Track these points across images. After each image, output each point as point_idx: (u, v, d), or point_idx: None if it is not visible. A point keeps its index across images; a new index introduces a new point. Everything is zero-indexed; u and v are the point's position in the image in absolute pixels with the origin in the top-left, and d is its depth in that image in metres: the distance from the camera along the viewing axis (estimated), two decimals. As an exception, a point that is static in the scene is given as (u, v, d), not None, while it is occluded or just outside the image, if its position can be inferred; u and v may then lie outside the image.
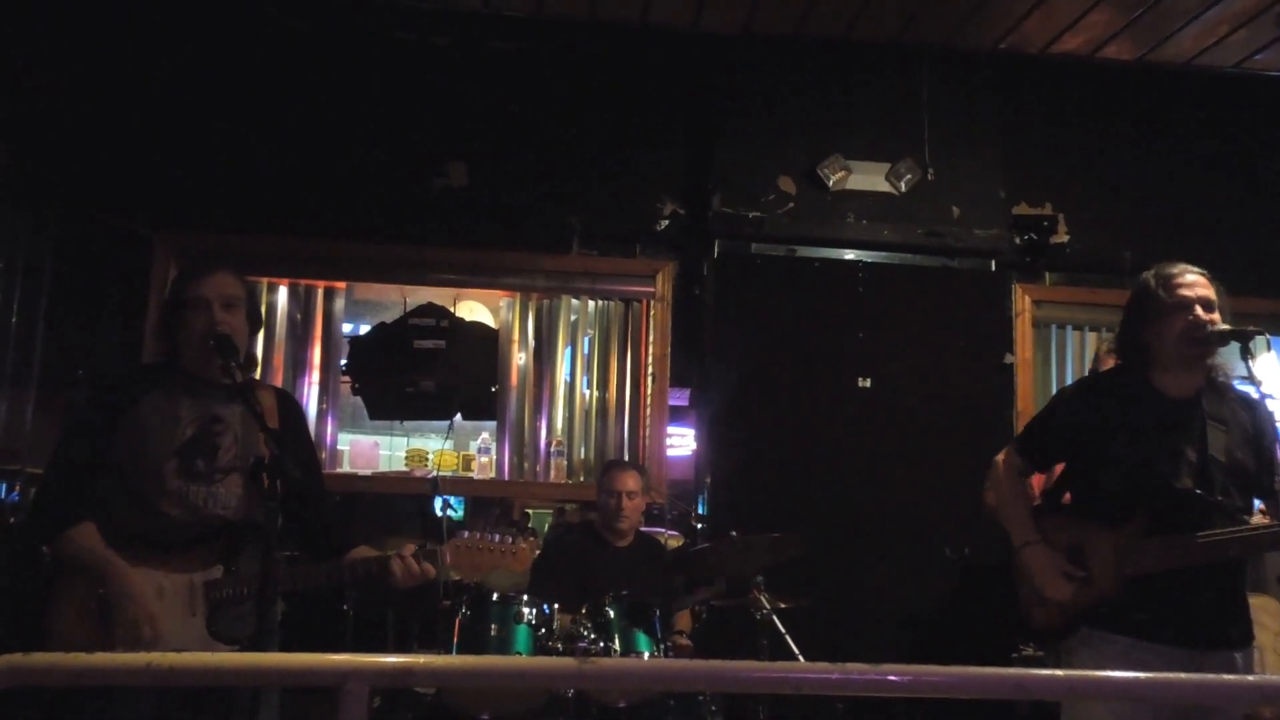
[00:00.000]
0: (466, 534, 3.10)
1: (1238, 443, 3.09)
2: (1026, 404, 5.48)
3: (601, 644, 4.00)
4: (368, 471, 5.77)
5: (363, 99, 5.53)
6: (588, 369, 5.68)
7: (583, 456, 5.60)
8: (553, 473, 5.55)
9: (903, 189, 5.47)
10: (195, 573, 2.92)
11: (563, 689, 3.90)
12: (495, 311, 5.89)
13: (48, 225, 5.01)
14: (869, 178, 5.48)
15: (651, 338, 5.60)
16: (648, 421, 5.55)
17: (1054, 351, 5.79)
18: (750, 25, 5.45)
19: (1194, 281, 3.09)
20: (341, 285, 5.74)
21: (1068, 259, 5.75)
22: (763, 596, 4.08)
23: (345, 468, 5.76)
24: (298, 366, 5.59)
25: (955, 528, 5.12)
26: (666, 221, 5.60)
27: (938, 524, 5.18)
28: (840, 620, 4.89)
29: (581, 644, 3.98)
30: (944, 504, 5.12)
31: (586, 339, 5.70)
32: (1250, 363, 3.08)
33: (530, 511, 6.27)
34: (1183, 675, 1.90)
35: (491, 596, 4.11)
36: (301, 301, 5.64)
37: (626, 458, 5.45)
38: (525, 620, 4.04)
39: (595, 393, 5.66)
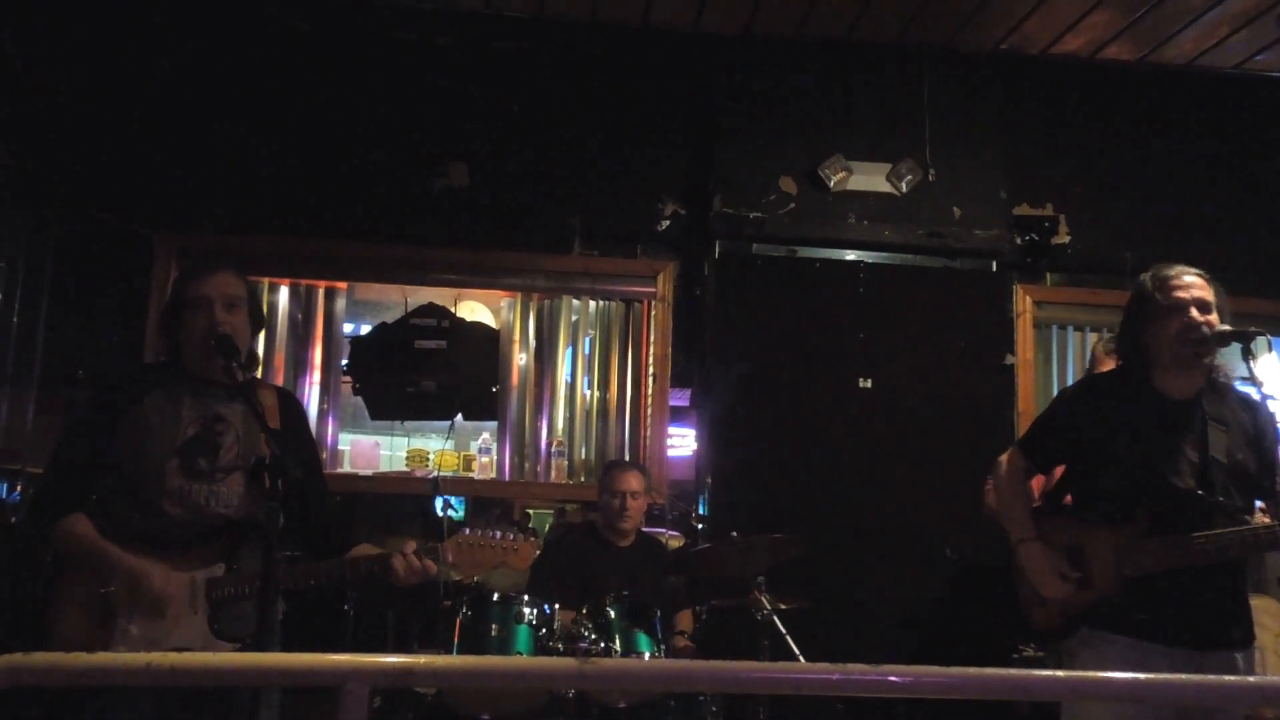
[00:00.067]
0: (468, 531, 3.11)
1: (1238, 443, 3.10)
2: (1027, 405, 5.48)
3: (602, 644, 4.00)
4: (368, 472, 5.77)
5: (363, 99, 5.53)
6: (589, 369, 5.68)
7: (583, 457, 5.60)
8: (553, 473, 5.55)
9: (904, 189, 5.47)
10: (197, 571, 2.93)
11: (563, 689, 3.90)
12: (496, 312, 5.89)
13: (48, 225, 5.01)
14: (870, 178, 5.48)
15: (652, 338, 5.60)
16: (648, 422, 5.55)
17: (1055, 352, 5.79)
18: (751, 26, 5.45)
19: (1190, 283, 3.09)
20: (343, 285, 5.74)
21: (1069, 259, 5.75)
22: (763, 597, 4.08)
23: (346, 468, 5.76)
24: (299, 366, 5.59)
25: (956, 528, 5.12)
26: (667, 222, 5.60)
27: (939, 524, 5.18)
28: (841, 621, 4.89)
29: (582, 644, 3.98)
30: (945, 504, 5.12)
31: (587, 339, 5.70)
32: (1251, 364, 3.08)
33: (531, 512, 6.27)
34: (1184, 676, 1.90)
35: (492, 596, 4.11)
36: (302, 301, 5.64)
37: (627, 458, 5.45)
38: (526, 620, 4.04)
39: (596, 393, 5.66)
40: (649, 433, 5.54)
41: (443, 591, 4.41)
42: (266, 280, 5.52)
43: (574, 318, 5.71)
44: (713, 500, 5.31)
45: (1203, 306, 3.06)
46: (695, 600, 4.82)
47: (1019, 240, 5.68)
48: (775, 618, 4.04)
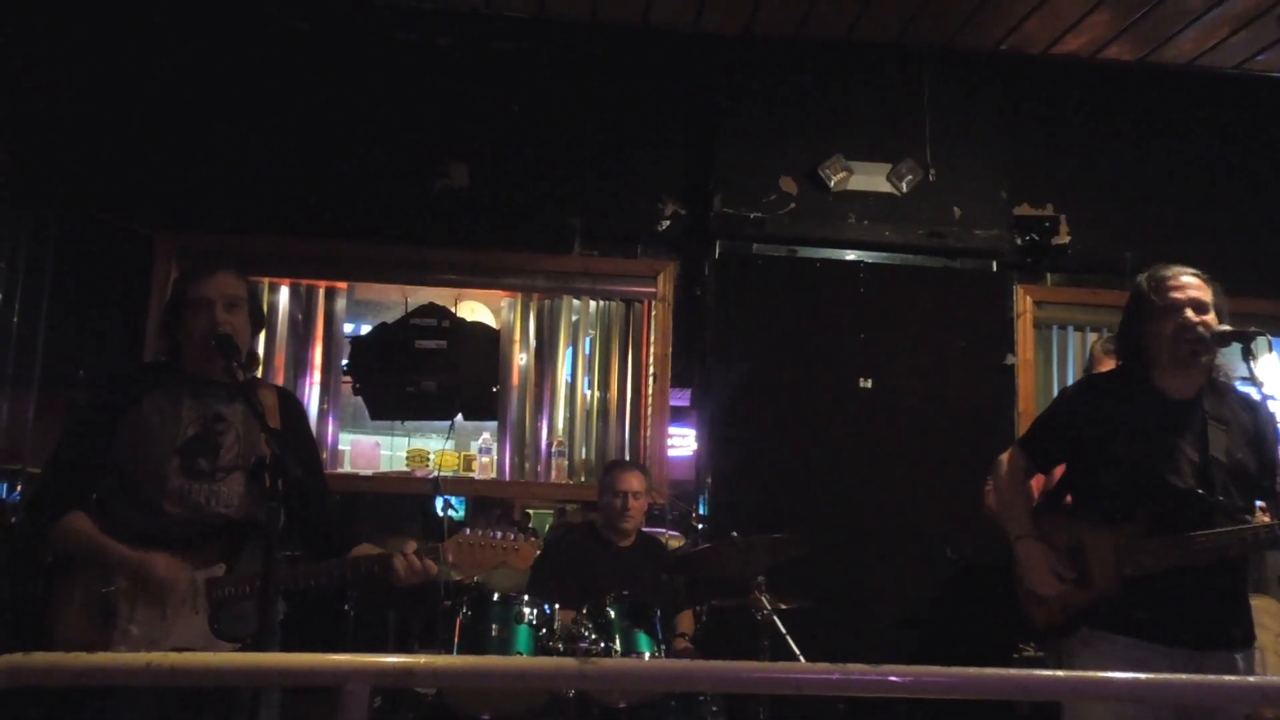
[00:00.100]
0: (469, 531, 3.11)
1: (1239, 443, 3.10)
2: (1028, 405, 5.48)
3: (602, 644, 4.00)
4: (369, 471, 5.77)
5: (364, 99, 5.53)
6: (589, 369, 5.68)
7: (584, 457, 5.60)
8: (554, 473, 5.55)
9: (904, 189, 5.47)
10: (197, 571, 2.93)
11: (564, 689, 3.90)
12: (496, 312, 5.89)
13: (49, 225, 5.01)
14: (870, 178, 5.48)
15: (653, 338, 5.60)
16: (649, 422, 5.55)
17: (1055, 352, 5.79)
18: (751, 26, 5.45)
19: (1186, 283, 3.10)
20: (343, 285, 5.74)
21: (1069, 259, 5.75)
22: (764, 597, 4.07)
23: (346, 468, 5.76)
24: (299, 366, 5.59)
25: (956, 528, 5.12)
26: (668, 222, 5.60)
27: (939, 524, 5.18)
28: (841, 621, 4.89)
29: (582, 644, 3.98)
30: (945, 505, 5.12)
31: (588, 339, 5.70)
32: (1251, 364, 3.08)
33: (531, 512, 6.27)
34: (1184, 676, 1.90)
35: (492, 597, 4.12)
36: (303, 301, 5.64)
37: (628, 458, 5.44)
38: (526, 620, 4.05)
39: (596, 393, 5.66)
40: (649, 433, 5.54)
41: (443, 591, 4.42)
42: (267, 280, 5.52)
43: (574, 318, 5.71)
44: (713, 500, 5.31)
45: (1198, 306, 3.06)
46: (695, 600, 4.82)
47: (1019, 240, 5.68)
48: (775, 618, 4.04)
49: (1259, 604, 3.51)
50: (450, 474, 5.51)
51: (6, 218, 4.85)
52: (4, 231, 4.81)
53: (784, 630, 3.99)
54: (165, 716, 2.79)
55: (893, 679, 1.66)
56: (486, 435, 5.67)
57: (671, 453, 5.72)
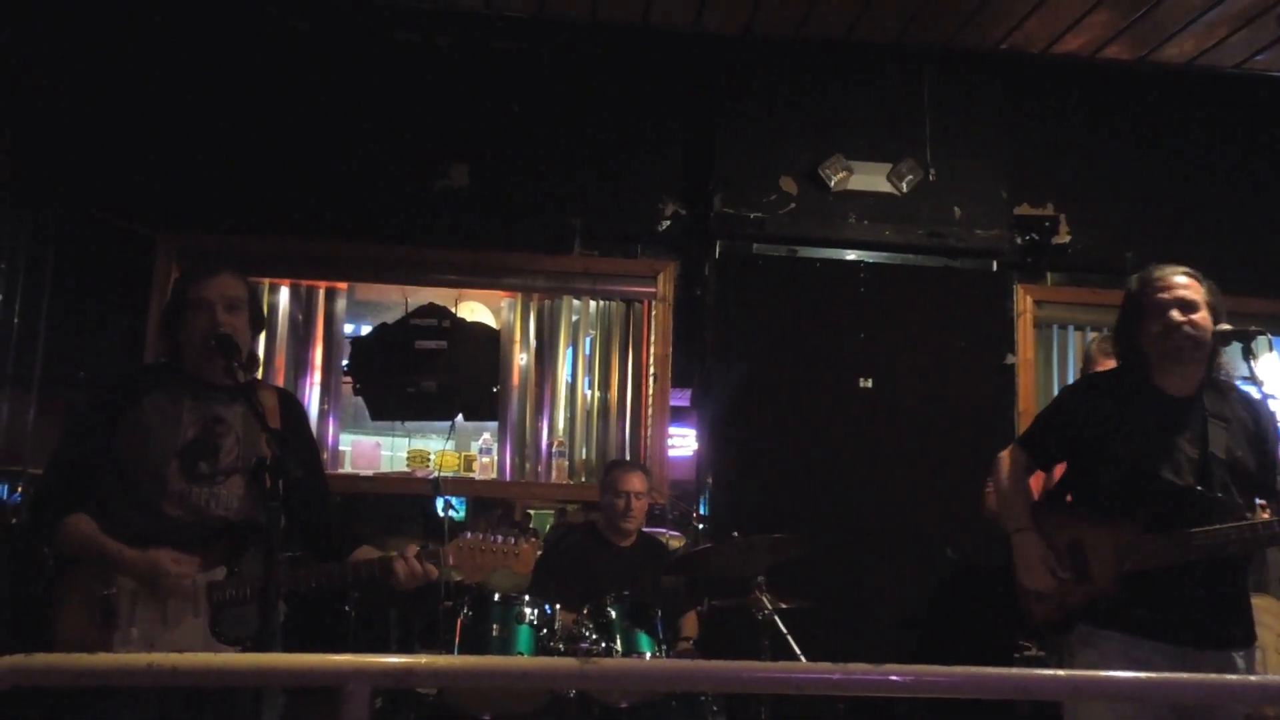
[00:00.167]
0: (469, 535, 3.11)
1: (1239, 441, 3.11)
2: (1028, 404, 5.48)
3: (603, 644, 4.00)
4: (369, 472, 5.77)
5: (364, 99, 5.53)
6: (589, 369, 5.68)
7: (584, 457, 5.60)
8: (554, 473, 5.55)
9: (904, 189, 5.47)
10: (198, 574, 2.92)
11: (565, 689, 3.90)
12: (497, 312, 5.89)
13: (49, 225, 5.01)
14: (870, 178, 5.48)
15: (653, 338, 5.60)
16: (649, 422, 5.55)
17: (1055, 352, 5.79)
18: (751, 26, 5.45)
19: (1173, 283, 3.12)
20: (343, 286, 5.74)
21: (1069, 259, 5.75)
22: (764, 597, 4.08)
23: (347, 468, 5.76)
24: (299, 367, 5.59)
25: (957, 528, 5.12)
26: (668, 222, 5.60)
27: (939, 524, 5.18)
28: (842, 620, 4.89)
29: (583, 644, 3.98)
30: (945, 504, 5.12)
31: (588, 339, 5.70)
32: (1252, 363, 3.09)
33: (532, 512, 6.27)
34: (1185, 675, 1.90)
35: (493, 597, 4.11)
36: (303, 302, 5.64)
37: (628, 458, 5.44)
38: (527, 621, 4.05)
39: (597, 393, 5.66)
40: (650, 433, 5.54)
41: (444, 592, 4.42)
42: (267, 281, 5.52)
43: (574, 318, 5.71)
44: (713, 500, 5.31)
45: (1185, 306, 3.08)
46: (696, 601, 4.82)
47: (1019, 240, 5.68)
48: (776, 617, 4.04)
49: (1260, 603, 3.51)
50: (451, 474, 5.51)
51: (6, 218, 4.85)
52: (4, 231, 4.82)
53: (785, 630, 3.99)
54: (167, 718, 2.79)
55: (893, 678, 1.66)
56: (487, 436, 5.67)
57: (672, 453, 5.72)
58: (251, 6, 5.48)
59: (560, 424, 5.61)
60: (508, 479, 5.59)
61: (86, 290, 5.14)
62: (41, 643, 2.83)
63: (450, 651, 4.09)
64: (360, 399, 5.72)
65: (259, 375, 3.45)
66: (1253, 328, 3.14)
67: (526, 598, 4.11)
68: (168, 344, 3.17)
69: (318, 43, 5.53)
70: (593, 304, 5.68)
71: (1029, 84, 5.76)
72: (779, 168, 5.46)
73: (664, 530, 5.62)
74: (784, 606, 4.10)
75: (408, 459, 5.83)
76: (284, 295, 5.60)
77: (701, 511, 5.43)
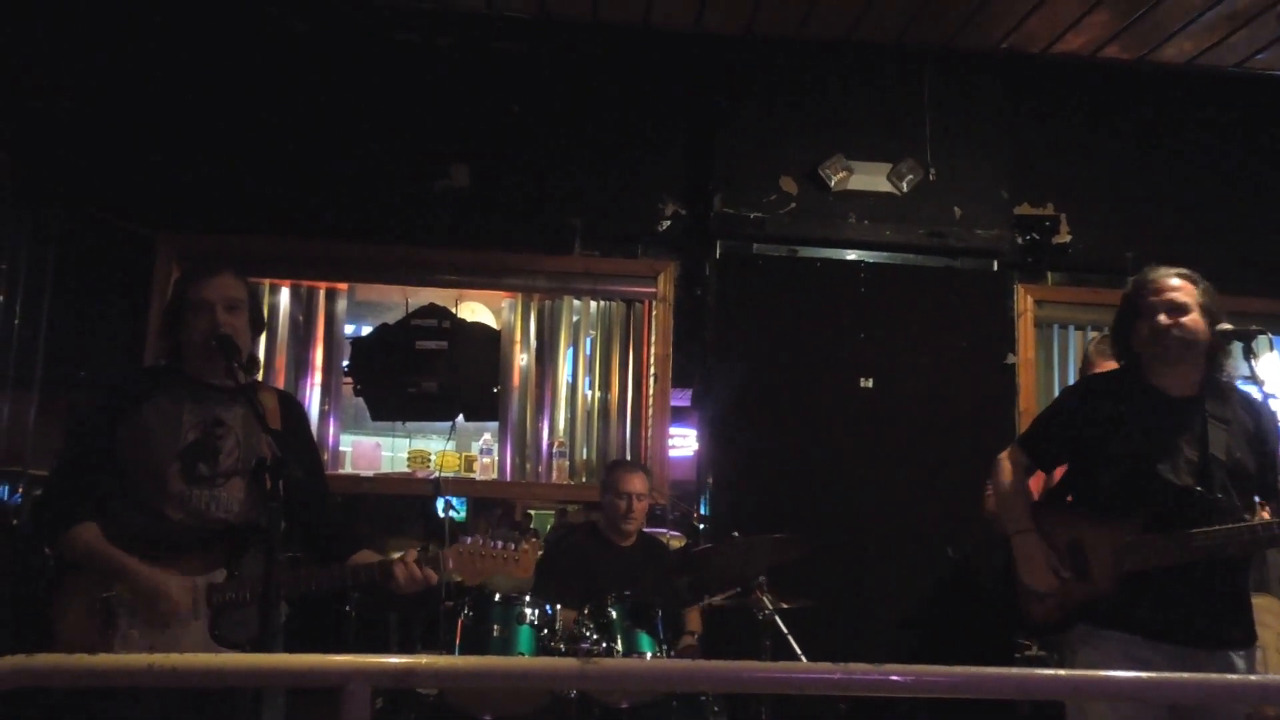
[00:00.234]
0: (469, 540, 3.11)
1: (1238, 442, 3.11)
2: (1029, 404, 5.48)
3: (604, 645, 4.01)
4: (370, 473, 5.76)
5: (364, 99, 5.53)
6: (590, 370, 5.68)
7: (585, 457, 5.60)
8: (555, 474, 5.55)
9: (904, 189, 5.47)
10: (198, 576, 2.93)
11: (565, 690, 3.90)
12: (497, 312, 5.89)
13: (49, 226, 5.01)
14: (871, 178, 5.48)
15: (653, 338, 5.60)
16: (650, 422, 5.55)
17: (1056, 352, 5.79)
18: (752, 26, 5.45)
19: (1164, 286, 3.13)
20: (343, 286, 5.74)
21: (1070, 259, 5.75)
22: (765, 597, 4.08)
23: (347, 469, 5.76)
24: (300, 368, 5.59)
25: (957, 528, 5.12)
26: (668, 222, 5.60)
27: (940, 524, 5.18)
28: (843, 620, 4.89)
29: (584, 645, 3.98)
30: (946, 504, 5.12)
31: (588, 340, 5.70)
32: (1253, 362, 3.09)
33: (533, 512, 6.27)
34: (1185, 675, 1.90)
35: (494, 597, 4.11)
36: (303, 303, 5.64)
37: (629, 458, 5.44)
38: (528, 621, 4.04)
39: (597, 393, 5.65)
40: (650, 433, 5.54)
41: (445, 592, 4.41)
42: (268, 281, 5.52)
43: (575, 318, 5.71)
44: (714, 500, 5.31)
45: (1175, 309, 3.09)
46: (698, 599, 4.82)
47: (1020, 240, 5.68)
48: (777, 617, 4.04)
49: (1260, 603, 3.51)
50: (451, 475, 5.51)
51: (7, 218, 4.85)
52: (4, 231, 4.82)
53: (785, 630, 4.00)
54: (168, 718, 2.79)
55: (894, 678, 1.66)
56: (487, 436, 5.67)
57: (672, 453, 5.72)
58: (251, 7, 5.48)
59: (561, 424, 5.61)
60: (508, 479, 5.59)
61: (87, 290, 5.14)
62: (42, 643, 2.83)
63: (451, 652, 4.09)
64: (361, 399, 5.72)
65: (259, 376, 3.45)
66: (1253, 327, 3.15)
67: (527, 598, 4.11)
68: (168, 345, 3.17)
69: (318, 43, 5.53)
70: (593, 304, 5.68)
71: (1029, 84, 5.76)
72: (779, 168, 5.46)
73: (664, 530, 5.62)
74: (785, 606, 4.10)
75: (408, 459, 5.83)
76: (284, 296, 5.60)
77: (702, 511, 5.42)
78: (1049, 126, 5.81)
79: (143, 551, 2.89)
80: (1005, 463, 3.36)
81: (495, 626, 4.03)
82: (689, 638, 4.60)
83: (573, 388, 5.67)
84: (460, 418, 5.68)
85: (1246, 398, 3.23)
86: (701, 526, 5.43)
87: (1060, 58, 5.67)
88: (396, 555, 3.06)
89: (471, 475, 5.61)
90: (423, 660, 1.70)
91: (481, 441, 5.66)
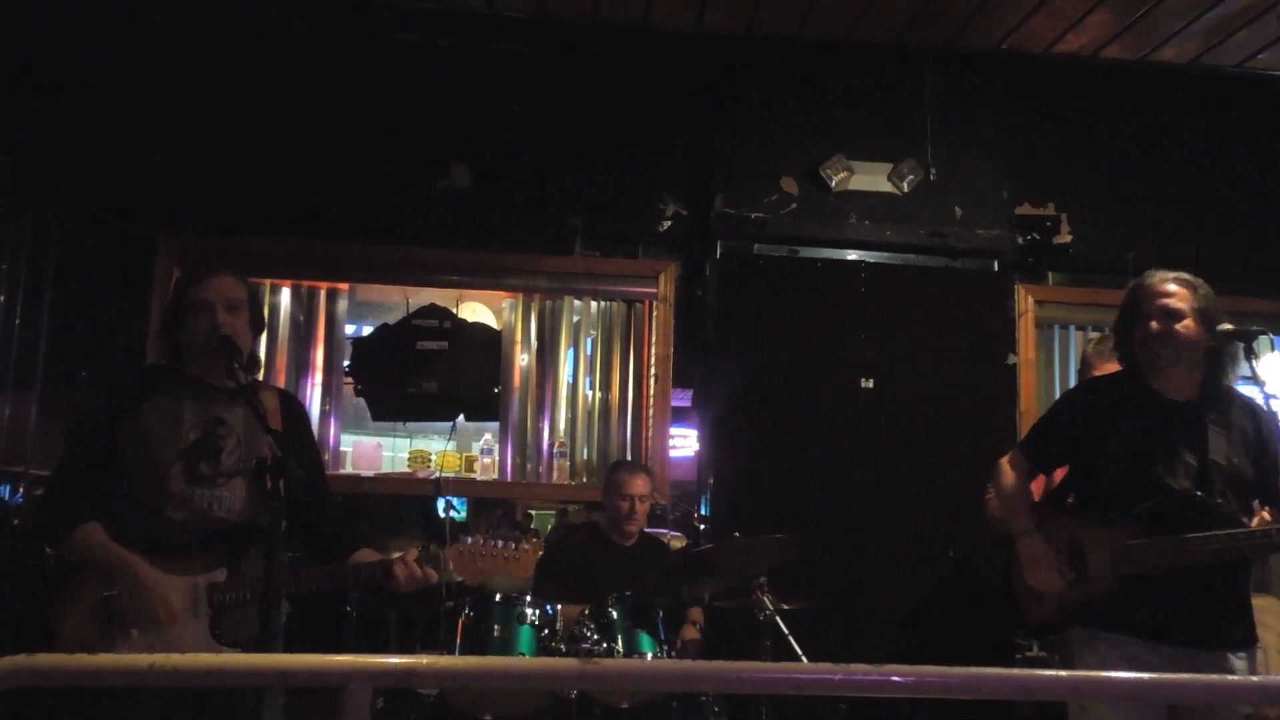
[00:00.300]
0: (469, 539, 3.11)
1: (1238, 447, 3.11)
2: (1029, 404, 5.48)
3: (604, 645, 4.00)
4: (370, 473, 5.77)
5: (365, 100, 5.53)
6: (590, 370, 5.68)
7: (585, 457, 5.60)
8: (555, 474, 5.55)
9: (905, 189, 5.47)
10: (199, 576, 2.93)
11: (566, 690, 3.90)
12: (498, 312, 5.89)
13: (49, 226, 5.01)
14: (871, 178, 5.48)
15: (654, 338, 5.59)
16: (650, 422, 5.55)
17: (1057, 352, 5.78)
18: (752, 26, 5.45)
19: (1160, 291, 3.13)
20: (344, 286, 5.74)
21: (1071, 259, 5.74)
22: (766, 597, 4.08)
23: (348, 469, 5.76)
24: (300, 368, 5.59)
25: (958, 528, 5.12)
26: (669, 222, 5.60)
27: (941, 524, 5.18)
28: (843, 621, 4.89)
29: (585, 645, 3.98)
30: (947, 505, 5.12)
31: (589, 340, 5.70)
32: (1254, 363, 3.09)
33: (533, 513, 6.27)
34: (1186, 676, 1.90)
35: (495, 597, 4.11)
36: (304, 303, 5.65)
37: (629, 459, 5.44)
38: (528, 621, 4.04)
39: (598, 394, 5.65)
40: (651, 433, 5.54)
41: (445, 592, 4.42)
42: (268, 282, 5.52)
43: (575, 318, 5.71)
44: (715, 501, 5.31)
45: (1169, 315, 3.10)
46: (700, 599, 4.82)
47: (1020, 240, 5.68)
48: (778, 618, 4.04)
49: (1261, 603, 3.52)
50: (452, 475, 5.51)
51: (7, 218, 4.85)
52: (4, 231, 4.82)
53: (786, 630, 3.99)
54: (169, 717, 2.79)
55: (895, 679, 1.66)
56: (488, 436, 5.67)
57: (673, 453, 5.72)
58: (251, 7, 5.48)
59: (561, 424, 5.61)
60: (509, 479, 5.59)
61: (87, 291, 5.14)
62: (43, 643, 2.83)
63: (451, 652, 4.08)
64: (361, 400, 5.72)
65: (260, 376, 3.45)
66: (1254, 328, 3.15)
67: (528, 598, 4.11)
68: (168, 345, 3.17)
69: (318, 43, 5.53)
70: (594, 304, 5.68)
71: (1030, 84, 5.75)
72: (780, 168, 5.46)
73: (665, 531, 5.61)
74: (785, 607, 4.10)
75: (409, 459, 5.83)
76: (285, 296, 5.60)
77: (703, 512, 5.42)
78: (1050, 126, 5.81)
79: (144, 551, 2.89)
80: (1006, 466, 3.37)
81: (496, 626, 4.02)
82: (691, 628, 4.59)
83: (573, 388, 5.67)
84: (461, 418, 5.68)
85: (1247, 402, 3.23)
86: (702, 527, 5.43)
87: (1061, 58, 5.67)
88: (396, 555, 3.07)
89: (472, 475, 5.62)
90: (423, 660, 1.70)
91: (482, 442, 5.67)
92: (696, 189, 5.59)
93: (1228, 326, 3.11)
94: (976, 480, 4.22)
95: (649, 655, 4.06)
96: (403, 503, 5.57)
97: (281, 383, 5.40)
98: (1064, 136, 5.81)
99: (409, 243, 5.51)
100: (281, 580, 2.75)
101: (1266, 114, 5.86)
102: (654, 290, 5.60)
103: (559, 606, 4.19)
